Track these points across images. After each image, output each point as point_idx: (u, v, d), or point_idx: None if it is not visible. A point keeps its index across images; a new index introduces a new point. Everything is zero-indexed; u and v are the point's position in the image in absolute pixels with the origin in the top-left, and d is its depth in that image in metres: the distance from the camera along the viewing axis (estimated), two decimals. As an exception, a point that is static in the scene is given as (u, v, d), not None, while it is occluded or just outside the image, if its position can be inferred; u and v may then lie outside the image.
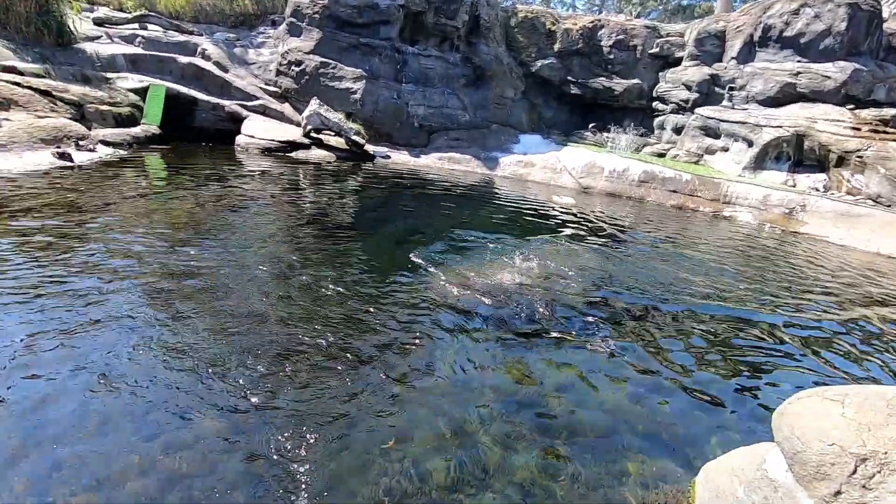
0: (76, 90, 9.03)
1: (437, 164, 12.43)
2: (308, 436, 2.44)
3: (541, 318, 4.07)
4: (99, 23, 12.52)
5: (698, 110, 13.64)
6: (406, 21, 13.71)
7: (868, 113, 11.13)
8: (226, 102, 12.23)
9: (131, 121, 9.91)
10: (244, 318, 3.44)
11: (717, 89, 13.79)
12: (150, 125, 10.20)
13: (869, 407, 1.37)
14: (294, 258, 4.68)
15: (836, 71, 11.67)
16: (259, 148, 11.00)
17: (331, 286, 4.11)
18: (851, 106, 11.45)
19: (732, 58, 13.72)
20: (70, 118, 8.33)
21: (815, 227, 9.45)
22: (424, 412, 2.73)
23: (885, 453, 1.23)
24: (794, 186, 11.12)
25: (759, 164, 11.99)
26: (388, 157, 12.33)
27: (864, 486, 1.20)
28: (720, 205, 10.74)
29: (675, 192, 11.26)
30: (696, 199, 11.03)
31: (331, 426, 2.52)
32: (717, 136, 13.14)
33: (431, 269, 4.83)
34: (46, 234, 4.36)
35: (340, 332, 3.43)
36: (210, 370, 2.84)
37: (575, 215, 8.61)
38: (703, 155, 13.31)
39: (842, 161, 10.74)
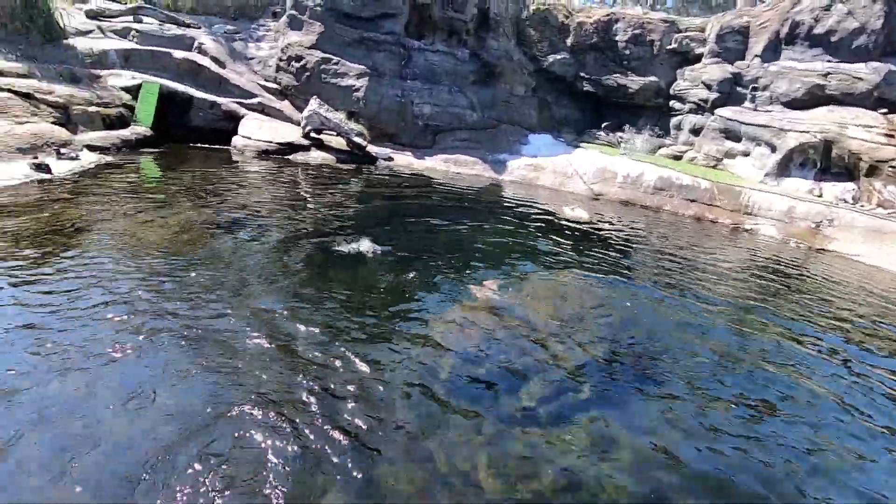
0: (62, 91, 8.57)
1: (442, 166, 11.89)
2: None
3: (526, 383, 3.60)
4: (92, 16, 12.02)
5: (718, 111, 12.94)
6: (412, 14, 13.10)
7: (903, 118, 10.41)
8: (223, 100, 11.72)
9: (121, 122, 9.47)
10: (226, 356, 3.00)
11: (739, 89, 13.05)
12: (140, 126, 9.74)
13: None
14: (280, 288, 4.22)
15: (869, 72, 10.92)
16: (256, 150, 10.52)
17: (307, 320, 3.66)
18: (885, 110, 10.71)
19: (756, 56, 12.96)
20: (54, 122, 7.90)
21: (844, 243, 8.84)
22: None
23: None
24: (819, 196, 10.46)
25: (782, 170, 11.32)
26: (391, 158, 11.81)
27: None
28: (741, 216, 10.13)
29: (692, 201, 10.65)
30: (715, 208, 10.42)
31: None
32: (737, 140, 12.45)
33: (416, 307, 4.37)
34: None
35: (302, 375, 2.97)
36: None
37: (586, 233, 8.07)
38: (722, 159, 12.65)
39: (874, 170, 10.06)
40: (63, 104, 8.38)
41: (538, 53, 15.33)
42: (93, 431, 2.51)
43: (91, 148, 8.09)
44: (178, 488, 2.26)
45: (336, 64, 12.33)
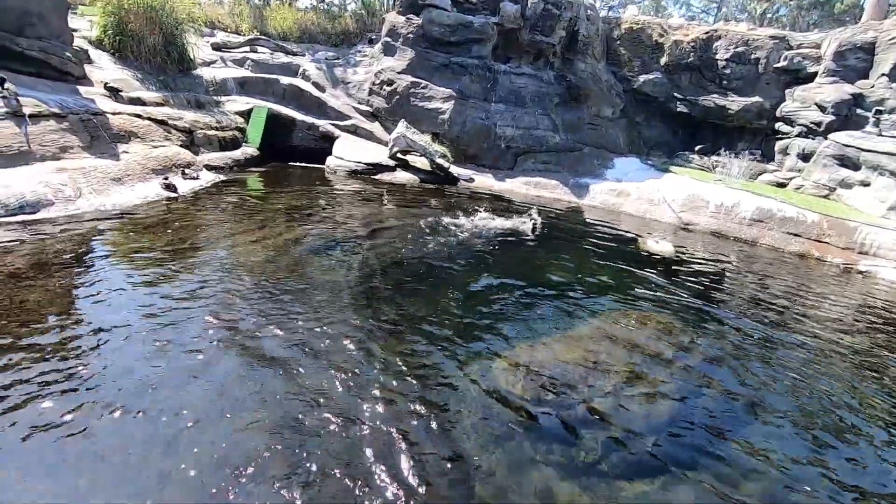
0: (189, 117, 9.81)
1: (522, 189, 11.93)
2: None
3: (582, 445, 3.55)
4: (216, 48, 13.62)
5: (833, 135, 11.75)
6: (500, 39, 13.35)
7: None
8: (320, 122, 12.72)
9: (234, 144, 10.61)
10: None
11: (859, 111, 11.80)
12: (249, 147, 10.85)
13: None
14: (359, 312, 4.56)
15: None
16: (347, 170, 11.27)
17: (379, 345, 3.92)
18: None
19: (883, 74, 11.65)
20: (181, 145, 9.06)
21: None
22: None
23: None
24: (958, 236, 9.12)
25: (911, 204, 10.03)
26: (472, 180, 12.06)
27: None
28: (854, 255, 9.10)
29: (796, 235, 9.75)
30: (822, 245, 9.45)
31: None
32: (855, 168, 11.22)
33: (487, 341, 4.49)
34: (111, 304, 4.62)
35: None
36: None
37: (670, 267, 7.73)
38: (835, 189, 11.45)
39: None
40: (189, 129, 9.59)
41: (629, 73, 14.91)
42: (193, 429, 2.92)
43: (209, 168, 9.17)
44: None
45: (424, 88, 12.88)
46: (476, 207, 9.21)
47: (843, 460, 3.57)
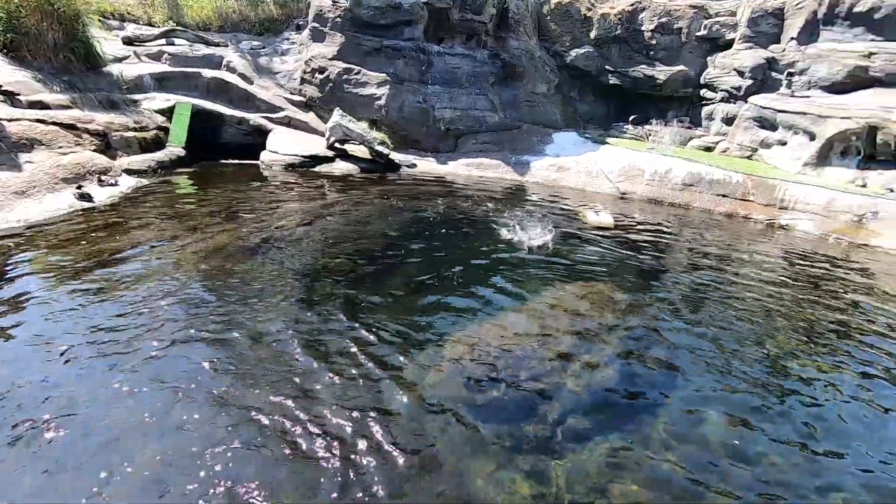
0: (102, 119, 9.09)
1: (465, 171, 11.92)
2: None
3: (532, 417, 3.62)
4: (127, 42, 12.62)
5: (752, 99, 12.41)
6: (431, 19, 13.11)
7: (957, 99, 9.71)
8: (251, 116, 12.13)
9: (157, 144, 9.95)
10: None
11: (774, 75, 12.50)
12: (174, 147, 10.21)
13: None
14: (302, 308, 4.41)
15: (917, 51, 10.24)
16: (282, 164, 10.84)
17: (326, 338, 3.82)
18: (936, 91, 10.02)
19: (792, 38, 12.36)
20: (95, 150, 8.39)
21: (890, 238, 8.36)
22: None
23: None
24: (863, 186, 9.91)
25: (822, 159, 10.77)
26: (415, 165, 11.92)
27: None
28: (776, 210, 9.72)
29: (724, 196, 10.29)
30: (748, 204, 10.03)
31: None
32: (773, 129, 11.91)
33: (433, 325, 4.47)
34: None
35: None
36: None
37: (609, 237, 7.96)
38: (756, 149, 12.14)
39: (923, 157, 9.45)
40: (103, 131, 8.88)
41: (560, 48, 15.09)
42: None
43: (129, 172, 8.56)
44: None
45: (357, 74, 12.52)
46: (422, 195, 9.12)
47: (776, 414, 3.81)
